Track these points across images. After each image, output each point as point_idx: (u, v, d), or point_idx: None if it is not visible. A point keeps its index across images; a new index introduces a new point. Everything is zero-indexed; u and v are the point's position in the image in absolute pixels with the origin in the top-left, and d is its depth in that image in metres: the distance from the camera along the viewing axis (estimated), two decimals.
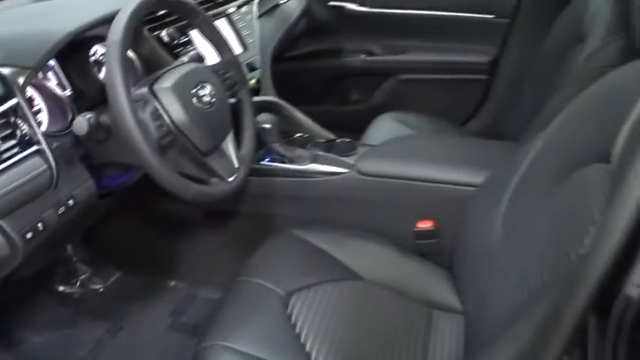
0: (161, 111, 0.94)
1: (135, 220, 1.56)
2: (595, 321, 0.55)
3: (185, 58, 1.15)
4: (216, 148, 1.05)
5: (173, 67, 1.02)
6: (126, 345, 1.39)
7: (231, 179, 1.05)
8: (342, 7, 2.05)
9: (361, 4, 2.02)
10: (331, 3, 2.05)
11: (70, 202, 0.93)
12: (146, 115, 0.90)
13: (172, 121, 0.95)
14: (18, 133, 0.87)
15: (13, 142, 0.86)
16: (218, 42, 1.15)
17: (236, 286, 1.15)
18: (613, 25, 1.22)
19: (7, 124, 0.86)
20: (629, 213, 0.53)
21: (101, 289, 1.56)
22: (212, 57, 1.35)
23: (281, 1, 1.86)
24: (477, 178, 1.23)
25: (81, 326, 1.44)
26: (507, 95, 1.87)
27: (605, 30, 1.22)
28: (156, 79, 0.98)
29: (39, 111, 1.02)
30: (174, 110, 0.95)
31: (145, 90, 0.95)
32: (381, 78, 2.11)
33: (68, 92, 1.08)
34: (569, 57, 1.40)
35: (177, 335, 1.41)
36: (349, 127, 1.98)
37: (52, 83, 1.03)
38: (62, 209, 0.91)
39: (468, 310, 1.09)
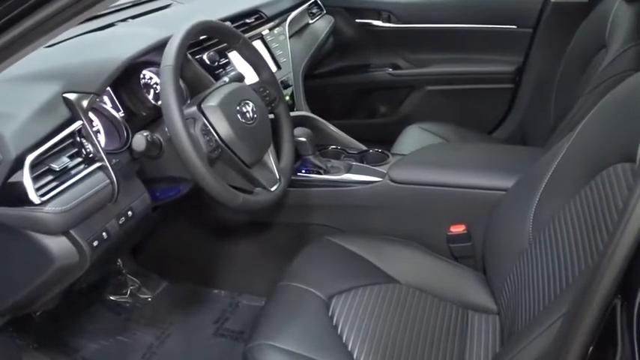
0: (209, 127, 1.02)
1: (179, 232, 1.65)
2: (622, 314, 0.59)
3: (227, 79, 1.24)
4: (259, 161, 1.13)
5: (217, 87, 1.11)
6: (174, 351, 1.47)
7: (273, 189, 1.13)
8: (368, 24, 2.13)
9: (386, 21, 2.09)
10: (357, 20, 2.13)
11: (129, 213, 1.01)
12: (197, 131, 0.98)
13: (219, 137, 1.03)
14: (83, 151, 0.96)
15: (79, 159, 0.95)
16: (257, 62, 1.23)
17: (279, 291, 1.21)
18: (633, 31, 1.26)
19: (73, 144, 0.95)
20: None
21: (150, 299, 1.65)
22: (250, 76, 1.44)
23: (310, 22, 1.95)
24: (506, 182, 1.27)
25: (132, 334, 1.52)
26: (532, 103, 1.91)
27: (626, 36, 1.27)
28: (203, 99, 1.06)
29: (97, 131, 1.11)
30: (221, 126, 1.03)
31: (194, 109, 1.03)
32: (407, 90, 2.18)
33: (122, 114, 1.17)
34: (592, 64, 1.44)
35: (223, 341, 1.48)
36: (378, 139, 2.04)
37: (107, 106, 1.12)
38: (123, 219, 0.99)
39: (502, 310, 1.13)
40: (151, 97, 1.26)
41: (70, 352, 1.43)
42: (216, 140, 1.02)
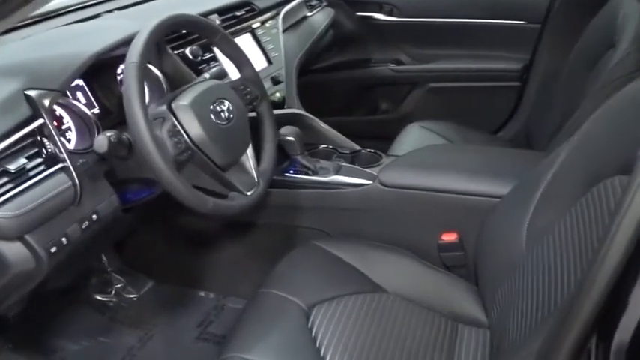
0: (179, 128, 0.96)
1: (165, 231, 1.61)
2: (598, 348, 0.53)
3: (207, 75, 1.18)
4: (235, 163, 1.07)
5: (191, 85, 1.05)
6: (155, 354, 1.43)
7: (249, 193, 1.07)
8: (369, 17, 2.05)
9: (389, 14, 2.02)
10: (359, 13, 2.06)
11: (94, 216, 0.96)
12: (163, 132, 0.93)
13: (190, 138, 0.97)
14: (44, 152, 0.91)
15: (39, 160, 0.90)
16: (237, 58, 1.17)
17: (258, 298, 1.16)
18: None
19: (33, 144, 0.90)
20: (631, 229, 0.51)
21: (135, 298, 1.61)
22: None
23: (308, 14, 1.88)
24: (501, 188, 1.21)
25: (114, 334, 1.49)
26: (539, 102, 1.83)
27: (634, 35, 1.18)
28: (174, 97, 1.01)
29: (68, 129, 1.06)
30: (192, 127, 0.97)
31: (163, 108, 0.98)
32: (410, 87, 2.10)
33: (96, 110, 1.12)
34: (599, 63, 1.36)
35: (204, 345, 1.44)
36: (379, 136, 1.98)
37: (79, 102, 1.07)
38: (86, 224, 0.94)
39: (492, 323, 1.07)
40: None
41: (48, 353, 1.39)
42: (185, 142, 0.97)
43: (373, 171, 1.37)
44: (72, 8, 1.44)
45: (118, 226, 1.05)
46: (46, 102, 0.92)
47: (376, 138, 2.03)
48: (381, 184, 1.33)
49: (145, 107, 0.90)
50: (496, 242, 1.14)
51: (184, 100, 0.99)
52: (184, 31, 1.26)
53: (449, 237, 1.27)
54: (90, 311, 1.54)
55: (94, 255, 1.38)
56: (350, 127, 2.18)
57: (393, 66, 2.09)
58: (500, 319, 1.01)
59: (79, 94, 1.11)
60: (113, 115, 1.14)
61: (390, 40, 2.08)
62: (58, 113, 1.05)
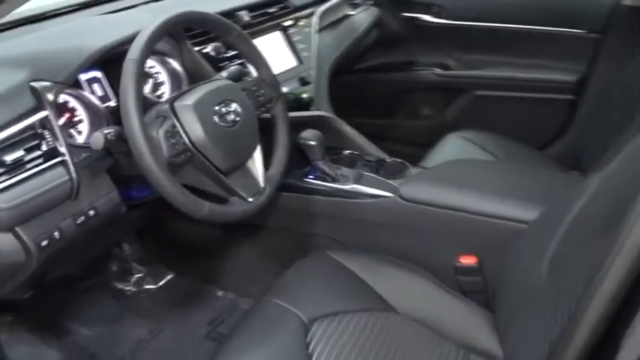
0: (178, 128, 0.94)
1: (185, 224, 1.60)
2: None
3: (224, 73, 1.15)
4: (238, 167, 1.03)
5: (199, 85, 1.02)
6: (163, 349, 1.43)
7: (252, 199, 1.03)
8: (415, 18, 1.96)
9: (436, 16, 1.92)
10: (405, 14, 1.97)
11: (91, 212, 0.95)
12: (160, 132, 0.90)
13: (190, 139, 0.94)
14: (44, 145, 0.91)
15: (38, 152, 0.90)
16: (254, 58, 1.13)
17: (259, 306, 1.13)
18: None
19: (34, 136, 0.90)
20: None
21: (153, 289, 1.62)
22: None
23: (351, 13, 1.82)
24: (528, 213, 1.12)
25: (127, 324, 1.50)
26: (593, 119, 1.68)
27: None
28: (179, 96, 0.98)
29: (80, 121, 1.06)
30: (193, 128, 0.94)
31: (166, 107, 0.95)
32: (453, 93, 1.99)
33: (112, 103, 1.12)
34: None
35: (211, 345, 1.43)
36: (418, 142, 1.90)
37: (93, 95, 1.07)
38: (82, 219, 0.94)
39: (507, 356, 0.99)
40: (147, 87, 1.19)
41: (62, 336, 1.42)
42: (184, 143, 0.94)
43: (395, 182, 1.30)
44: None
45: (122, 223, 1.04)
46: (50, 94, 0.91)
47: (414, 144, 1.96)
48: (401, 197, 1.26)
49: (140, 106, 0.88)
50: (517, 271, 1.06)
51: (188, 100, 0.96)
52: None
53: (467, 260, 1.19)
54: (107, 298, 1.56)
55: (99, 249, 1.39)
56: (388, 130, 2.12)
57: (437, 70, 1.98)
58: (512, 353, 0.94)
59: (96, 87, 1.10)
60: None
61: (436, 44, 1.97)
62: (70, 105, 1.05)
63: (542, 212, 1.09)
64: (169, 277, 1.65)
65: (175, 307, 1.56)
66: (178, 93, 1.00)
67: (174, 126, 0.94)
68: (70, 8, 1.36)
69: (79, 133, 1.06)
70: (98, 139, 0.90)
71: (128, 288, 1.61)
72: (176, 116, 0.95)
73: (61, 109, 1.03)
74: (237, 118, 1.01)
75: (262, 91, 1.11)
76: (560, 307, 0.80)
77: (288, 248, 1.45)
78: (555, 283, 0.87)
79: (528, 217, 1.11)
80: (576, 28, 1.75)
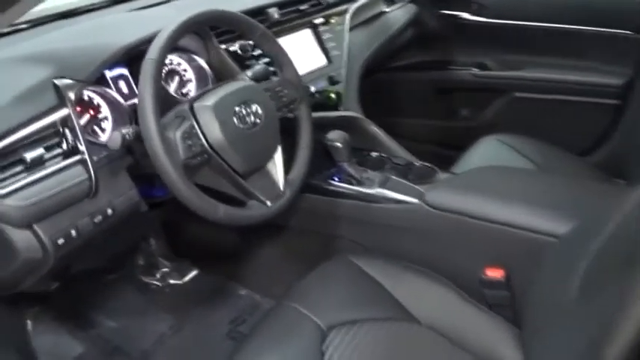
0: (196, 129, 0.92)
1: (210, 223, 1.61)
2: None
3: (249, 73, 1.13)
4: (257, 170, 1.01)
5: (220, 85, 1.00)
6: (184, 345, 1.44)
7: (271, 203, 1.01)
8: (454, 16, 1.89)
9: (476, 14, 1.84)
10: (443, 11, 1.91)
11: (109, 210, 0.95)
12: (177, 134, 0.89)
13: (207, 141, 0.93)
14: (64, 143, 0.91)
15: (58, 150, 0.91)
16: (278, 58, 1.11)
17: (277, 310, 1.12)
18: None
19: (55, 134, 0.91)
20: None
21: (178, 284, 1.63)
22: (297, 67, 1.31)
23: (386, 9, 1.78)
24: (560, 226, 1.06)
25: (150, 318, 1.52)
26: (639, 125, 1.59)
27: None
28: (199, 96, 0.97)
29: (104, 119, 1.07)
30: (211, 130, 0.93)
31: (185, 107, 0.94)
32: (492, 95, 1.92)
33: (137, 101, 1.11)
34: None
35: (231, 344, 1.42)
36: (452, 144, 1.85)
37: (117, 92, 1.06)
38: (99, 218, 0.94)
39: None
40: (173, 85, 1.19)
41: (87, 328, 1.45)
42: (201, 145, 0.93)
43: (422, 188, 1.26)
44: None
45: (145, 221, 1.04)
46: (72, 92, 0.92)
47: (448, 146, 1.90)
48: (427, 204, 1.21)
49: (157, 106, 0.87)
50: (546, 287, 1.00)
51: (207, 101, 0.95)
52: None
53: (494, 273, 1.13)
54: (132, 291, 1.58)
55: (123, 244, 1.40)
56: (421, 131, 2.06)
57: (475, 71, 1.91)
58: None
59: (122, 84, 1.10)
60: None
61: (475, 42, 1.90)
62: (95, 102, 1.06)
63: (575, 226, 1.03)
64: (194, 273, 1.65)
65: (199, 303, 1.56)
66: (199, 93, 0.99)
67: (192, 127, 0.92)
68: (104, 4, 1.37)
69: (103, 130, 1.06)
70: (116, 139, 0.90)
71: (154, 282, 1.62)
72: (195, 117, 0.93)
73: (86, 105, 1.03)
74: (258, 120, 0.99)
75: (286, 92, 1.09)
76: (590, 328, 0.76)
77: (311, 250, 1.43)
78: (586, 302, 0.81)
79: (560, 230, 1.05)
80: (623, 29, 1.65)
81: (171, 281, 1.63)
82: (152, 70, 0.87)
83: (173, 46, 0.92)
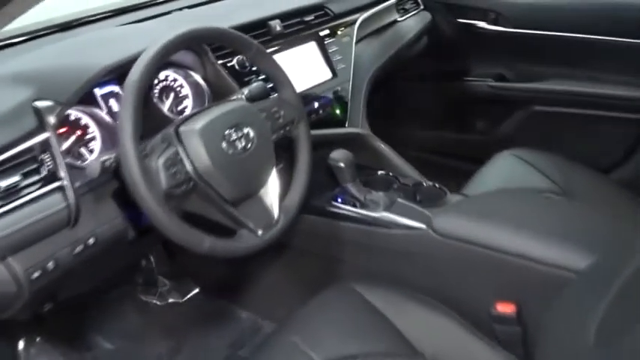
0: (182, 155, 0.86)
1: None
2: None
3: (245, 91, 1.07)
4: (249, 197, 0.95)
5: (210, 107, 0.94)
6: None
7: (262, 232, 0.95)
8: (471, 25, 1.80)
9: (493, 23, 1.75)
10: (459, 20, 1.82)
11: (91, 240, 0.90)
12: (160, 161, 0.83)
13: (193, 168, 0.87)
14: (43, 169, 0.86)
15: (36, 177, 0.85)
16: (275, 76, 1.04)
17: (273, 342, 1.06)
18: None
19: (33, 159, 0.85)
20: None
21: (178, 303, 1.58)
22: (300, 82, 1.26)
23: (399, 19, 1.70)
24: (580, 261, 0.98)
25: (148, 339, 1.47)
26: None
27: None
28: (187, 119, 0.91)
29: (93, 139, 1.02)
30: (197, 156, 0.87)
31: (170, 131, 0.88)
32: (509, 107, 1.83)
33: None
34: None
35: None
36: (467, 158, 1.76)
37: (105, 112, 1.01)
38: (80, 248, 0.88)
39: None
40: (167, 102, 1.14)
41: (82, 350, 1.40)
42: (187, 172, 0.86)
43: (430, 212, 1.18)
44: (142, 4, 1.42)
45: (134, 249, 0.98)
46: (52, 115, 0.86)
47: (463, 159, 1.82)
48: (434, 230, 1.14)
49: (137, 133, 0.81)
50: (561, 328, 0.92)
51: (194, 125, 0.89)
52: None
53: (505, 308, 1.05)
54: (130, 311, 1.53)
55: (113, 270, 1.35)
56: (434, 143, 1.98)
57: (492, 82, 1.82)
58: None
59: (112, 102, 1.05)
60: (145, 126, 1.07)
61: (492, 53, 1.81)
62: (83, 122, 1.01)
63: (595, 260, 0.94)
64: (194, 291, 1.60)
65: (198, 324, 1.51)
66: (186, 116, 0.92)
67: (177, 153, 0.86)
68: (105, 15, 1.33)
69: (91, 151, 1.01)
70: (94, 167, 0.84)
71: (153, 300, 1.57)
72: (180, 142, 0.87)
73: (73, 126, 0.98)
74: (249, 145, 0.92)
75: (283, 112, 1.02)
76: None
77: (314, 273, 1.37)
78: (605, 349, 0.74)
79: (579, 264, 0.97)
80: None
81: (171, 300, 1.58)
82: (133, 94, 0.81)
83: (158, 66, 0.86)
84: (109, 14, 1.34)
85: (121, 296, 1.54)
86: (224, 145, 0.90)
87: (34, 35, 1.20)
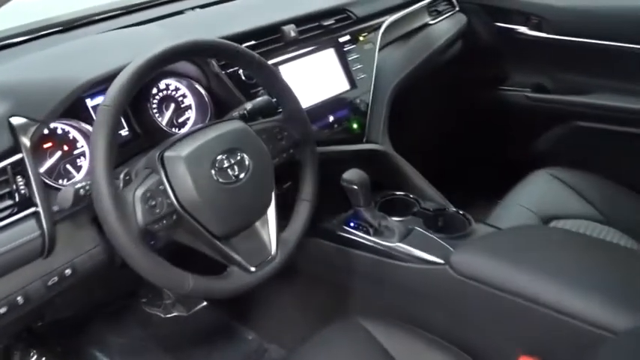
0: (165, 185, 0.77)
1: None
2: None
3: (248, 105, 0.97)
4: (240, 231, 0.85)
5: (201, 128, 0.84)
6: None
7: (255, 269, 0.85)
8: (511, 30, 1.65)
9: (535, 28, 1.59)
10: (498, 24, 1.67)
11: (68, 271, 0.82)
12: (138, 192, 0.74)
13: (177, 200, 0.78)
14: (17, 193, 0.78)
15: (9, 202, 0.78)
16: (278, 92, 0.94)
17: None
18: None
19: (6, 182, 0.78)
20: None
21: (182, 317, 1.51)
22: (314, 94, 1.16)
23: (430, 22, 1.57)
24: (621, 320, 0.85)
25: (149, 353, 1.40)
26: None
27: None
28: (173, 144, 0.81)
29: (82, 155, 0.94)
30: (182, 186, 0.77)
31: (155, 156, 0.79)
32: (550, 121, 1.67)
33: (124, 133, 0.98)
34: None
35: None
36: (499, 176, 1.62)
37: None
38: (54, 280, 0.81)
39: None
40: (167, 113, 1.05)
41: None
42: (170, 205, 0.77)
43: (450, 244, 1.07)
44: (153, 3, 1.33)
45: (123, 273, 0.89)
46: (27, 134, 0.78)
47: (495, 175, 1.67)
48: (452, 267, 1.02)
49: (110, 162, 0.72)
50: None
51: (180, 151, 0.79)
52: None
53: None
54: (133, 325, 1.46)
55: (105, 296, 1.28)
56: (462, 159, 1.84)
57: (530, 93, 1.67)
58: None
59: None
60: (140, 140, 0.99)
61: (532, 61, 1.65)
62: (71, 136, 0.93)
63: (636, 324, 0.81)
64: (201, 305, 1.52)
65: (201, 343, 1.43)
66: (174, 139, 0.83)
67: (159, 183, 0.77)
68: (109, 14, 1.24)
69: (79, 169, 0.93)
70: (66, 196, 0.75)
71: (157, 313, 1.50)
72: (164, 170, 0.78)
73: (59, 140, 0.91)
74: (242, 174, 0.82)
75: (286, 134, 0.92)
76: None
77: (322, 300, 1.27)
78: None
79: (619, 324, 0.84)
80: None
81: (176, 313, 1.51)
82: (106, 120, 0.72)
83: (136, 88, 0.77)
84: (118, 12, 1.26)
85: (124, 309, 1.48)
86: (213, 173, 0.80)
87: (34, 35, 1.12)
